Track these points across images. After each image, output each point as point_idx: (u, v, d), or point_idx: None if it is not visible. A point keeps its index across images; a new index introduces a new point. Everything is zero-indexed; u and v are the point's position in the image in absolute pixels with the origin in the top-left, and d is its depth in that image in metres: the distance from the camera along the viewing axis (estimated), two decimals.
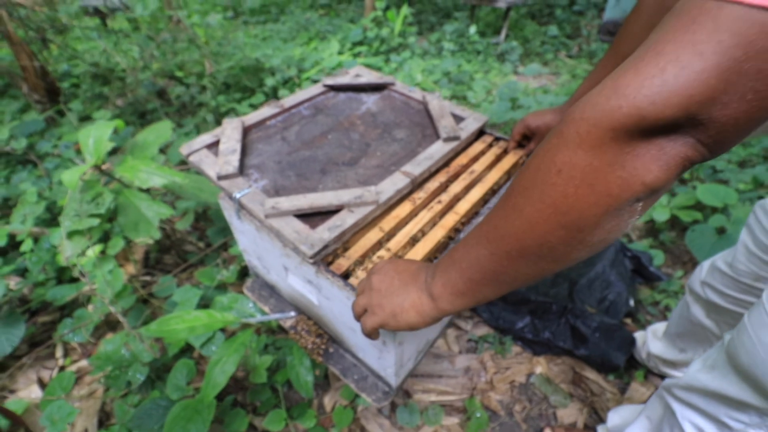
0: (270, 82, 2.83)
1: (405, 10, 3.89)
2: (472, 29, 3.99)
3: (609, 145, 0.30)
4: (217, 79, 2.50)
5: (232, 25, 4.32)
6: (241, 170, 0.85)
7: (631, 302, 1.40)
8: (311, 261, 0.67)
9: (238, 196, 0.76)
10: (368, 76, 1.17)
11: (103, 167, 1.10)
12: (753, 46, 0.24)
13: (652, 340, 1.22)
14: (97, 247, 1.54)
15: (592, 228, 0.33)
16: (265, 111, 1.03)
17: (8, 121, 2.44)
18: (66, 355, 1.38)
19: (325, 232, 0.69)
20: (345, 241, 0.73)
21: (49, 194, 1.79)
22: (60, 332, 1.31)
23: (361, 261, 0.70)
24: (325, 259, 0.70)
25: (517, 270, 0.39)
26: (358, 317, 0.56)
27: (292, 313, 0.94)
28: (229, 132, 0.92)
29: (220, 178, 0.81)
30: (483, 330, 1.47)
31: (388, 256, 0.70)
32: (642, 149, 0.29)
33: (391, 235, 0.75)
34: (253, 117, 1.00)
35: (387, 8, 4.25)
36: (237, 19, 4.80)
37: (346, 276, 0.68)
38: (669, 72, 0.26)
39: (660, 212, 1.74)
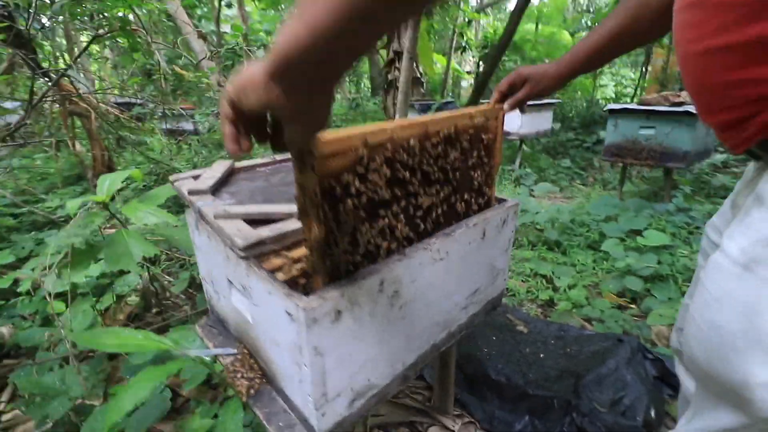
0: None
1: None
2: None
3: None
4: None
5: None
6: (215, 192, 0.90)
7: (653, 412, 1.15)
8: (242, 255, 0.66)
9: (198, 203, 0.80)
10: None
11: (107, 204, 1.21)
12: None
13: None
14: (89, 301, 1.56)
15: None
16: (258, 160, 1.14)
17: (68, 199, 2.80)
18: (11, 400, 1.27)
19: (265, 230, 0.69)
20: (287, 246, 0.72)
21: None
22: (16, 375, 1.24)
23: (297, 260, 0.68)
24: (260, 258, 0.68)
25: None
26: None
27: (232, 350, 0.86)
28: (216, 167, 1.01)
29: (191, 193, 0.86)
30: None
31: None
32: None
33: None
34: (244, 162, 1.11)
35: None
36: None
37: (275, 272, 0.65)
38: None
39: None
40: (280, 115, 0.38)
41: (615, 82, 8.02)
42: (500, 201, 0.97)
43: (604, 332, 1.54)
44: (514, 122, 4.16)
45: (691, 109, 2.38)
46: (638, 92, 6.55)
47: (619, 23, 0.78)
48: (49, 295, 1.11)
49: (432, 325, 0.83)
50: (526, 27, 9.25)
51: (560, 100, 6.04)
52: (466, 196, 0.82)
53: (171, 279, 1.93)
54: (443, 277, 0.80)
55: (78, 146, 3.14)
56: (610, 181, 4.18)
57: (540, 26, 9.22)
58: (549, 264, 2.26)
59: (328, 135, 0.51)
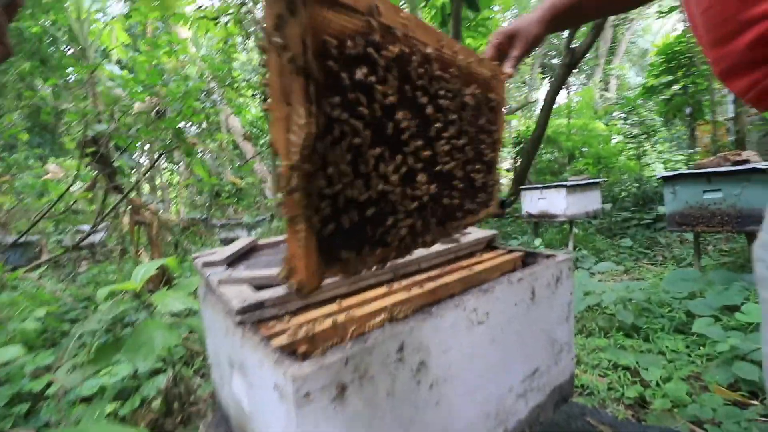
0: None
1: None
2: (537, 241, 4.15)
3: None
4: None
5: None
6: (231, 264, 0.86)
7: None
8: (238, 319, 0.57)
9: (207, 273, 0.75)
10: None
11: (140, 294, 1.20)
12: None
13: None
14: (112, 405, 1.48)
15: None
16: (282, 237, 1.11)
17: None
18: None
19: (268, 293, 0.61)
20: (293, 311, 0.62)
21: None
22: None
23: (300, 326, 0.57)
24: (260, 325, 0.58)
25: None
26: None
27: None
28: (237, 243, 0.99)
29: (205, 265, 0.82)
30: None
31: (327, 325, 0.56)
32: None
33: (347, 309, 0.62)
34: (269, 239, 1.08)
35: None
36: None
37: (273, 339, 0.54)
38: None
39: None
40: None
41: (663, 160, 7.77)
42: (548, 256, 0.82)
43: None
44: (560, 204, 4.00)
45: (760, 165, 2.14)
46: (689, 165, 6.24)
47: None
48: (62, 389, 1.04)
49: (480, 418, 0.63)
50: (558, 122, 9.63)
51: (606, 179, 5.85)
52: (477, 167, 0.69)
53: (203, 381, 1.81)
54: (486, 348, 0.63)
55: (144, 255, 3.41)
56: (684, 257, 3.71)
57: (572, 120, 9.56)
58: (630, 353, 1.87)
59: None
